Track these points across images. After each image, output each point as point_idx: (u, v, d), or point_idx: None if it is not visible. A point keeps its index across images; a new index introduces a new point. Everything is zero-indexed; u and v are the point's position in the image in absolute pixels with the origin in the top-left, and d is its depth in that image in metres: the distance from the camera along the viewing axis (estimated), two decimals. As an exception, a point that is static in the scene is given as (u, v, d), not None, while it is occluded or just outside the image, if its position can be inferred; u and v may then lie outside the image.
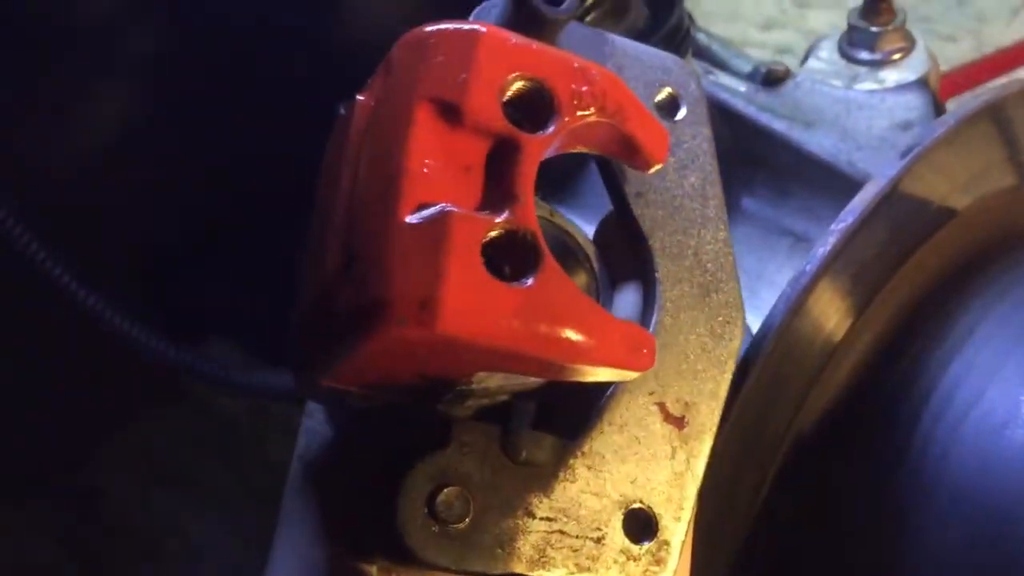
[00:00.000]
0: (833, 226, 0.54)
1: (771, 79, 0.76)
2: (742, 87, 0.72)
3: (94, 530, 1.03)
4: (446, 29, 0.38)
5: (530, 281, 0.36)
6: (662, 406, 0.43)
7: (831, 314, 0.56)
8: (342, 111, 0.40)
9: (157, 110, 0.75)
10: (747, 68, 0.78)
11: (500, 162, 0.37)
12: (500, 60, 0.38)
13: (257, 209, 0.77)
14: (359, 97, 0.40)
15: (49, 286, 0.69)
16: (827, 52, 0.74)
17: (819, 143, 0.67)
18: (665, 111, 0.47)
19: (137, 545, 1.06)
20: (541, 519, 0.40)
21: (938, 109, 0.70)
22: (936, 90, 0.71)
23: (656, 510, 0.42)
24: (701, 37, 0.80)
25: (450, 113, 0.37)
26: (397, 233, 0.35)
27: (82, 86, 0.72)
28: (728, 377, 0.45)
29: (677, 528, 0.43)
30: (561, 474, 0.41)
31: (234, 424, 1.10)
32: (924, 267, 0.59)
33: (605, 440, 0.42)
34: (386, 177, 0.36)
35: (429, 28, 0.39)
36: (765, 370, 0.54)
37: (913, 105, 0.69)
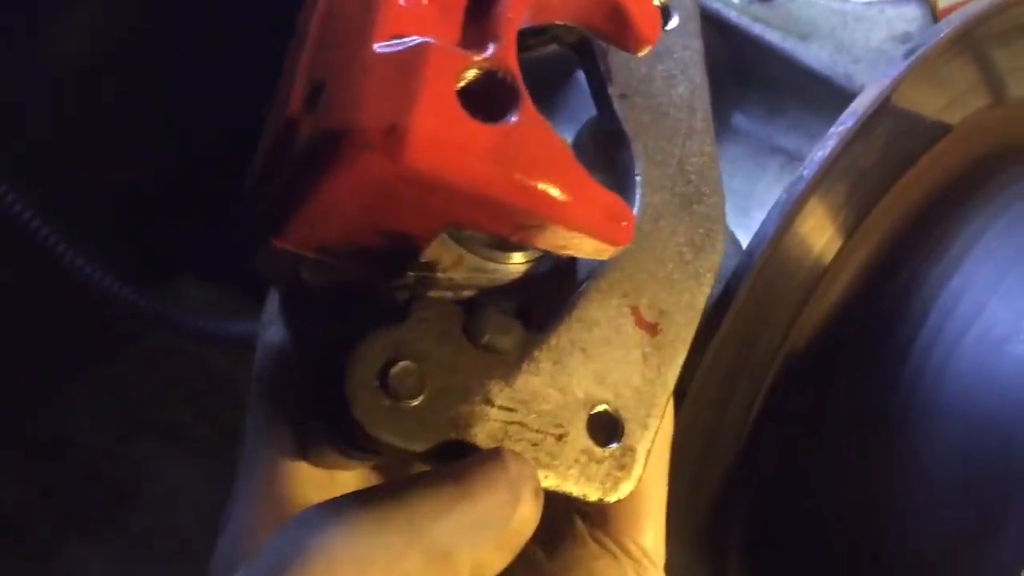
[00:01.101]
0: (832, 128, 0.51)
1: (767, -6, 0.73)
2: (736, -1, 0.69)
3: (69, 477, 1.01)
4: None
5: (508, 122, 0.33)
6: (635, 309, 0.41)
7: (826, 227, 0.54)
8: None
9: (132, 31, 0.72)
10: (743, -17, 0.75)
11: (482, 3, 0.35)
12: None
13: (236, 145, 0.75)
14: None
15: (13, 229, 0.66)
16: (823, -36, 0.71)
17: (814, 55, 0.65)
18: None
19: (112, 491, 1.05)
20: (500, 408, 0.38)
21: (937, 21, 0.67)
22: (935, 3, 0.68)
23: (623, 414, 0.40)
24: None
25: None
26: (369, 60, 0.32)
27: (56, 4, 0.69)
28: (706, 290, 0.43)
29: (644, 436, 0.40)
30: (525, 365, 0.39)
31: (208, 368, 1.07)
32: (922, 180, 0.56)
33: (573, 336, 0.40)
34: (361, 6, 0.33)
35: None
36: (757, 282, 0.52)
37: (911, 16, 0.66)
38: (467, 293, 0.39)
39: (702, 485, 0.54)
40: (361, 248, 0.36)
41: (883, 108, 0.53)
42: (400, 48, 0.33)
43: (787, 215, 0.51)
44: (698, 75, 0.45)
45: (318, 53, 0.35)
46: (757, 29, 0.66)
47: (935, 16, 0.66)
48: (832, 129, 0.51)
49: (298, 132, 0.34)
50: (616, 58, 0.44)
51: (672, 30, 0.45)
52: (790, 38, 0.65)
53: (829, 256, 0.55)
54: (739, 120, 0.68)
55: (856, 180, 0.54)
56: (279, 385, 0.41)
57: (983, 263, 0.55)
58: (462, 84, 0.33)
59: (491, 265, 0.40)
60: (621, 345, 0.41)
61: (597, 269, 0.41)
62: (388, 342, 0.36)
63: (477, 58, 0.34)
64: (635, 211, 0.42)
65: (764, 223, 0.52)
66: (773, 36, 0.65)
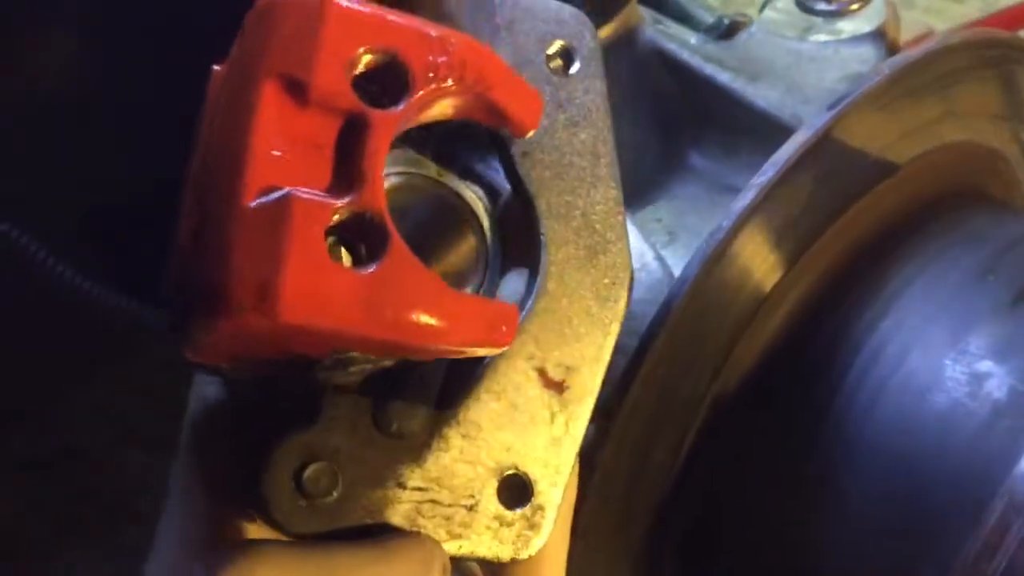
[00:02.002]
0: (753, 179, 0.52)
1: (733, 31, 0.74)
2: (692, 39, 0.70)
3: (63, 491, 1.03)
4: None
5: (375, 266, 0.35)
6: (542, 372, 0.43)
7: (755, 268, 0.54)
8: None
9: (105, 59, 0.74)
10: (710, 19, 0.75)
11: (349, 140, 0.36)
12: (349, 33, 0.36)
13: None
14: (215, 68, 0.39)
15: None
16: (784, 2, 0.71)
17: (764, 95, 0.65)
18: (557, 65, 0.45)
19: (107, 506, 1.06)
20: (412, 489, 0.40)
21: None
22: (895, 41, 0.68)
23: (532, 475, 0.42)
24: (665, -14, 0.78)
25: (297, 90, 0.36)
26: (238, 217, 0.34)
27: (27, 31, 0.72)
28: (612, 340, 0.44)
29: (553, 492, 0.42)
30: (434, 443, 0.41)
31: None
32: (858, 222, 0.57)
33: (481, 408, 0.42)
34: (231, 157, 0.35)
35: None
36: (680, 326, 0.53)
37: (866, 57, 0.66)
38: (386, 363, 0.40)
39: (625, 531, 0.55)
40: (268, 360, 0.38)
41: (811, 153, 0.54)
42: (267, 201, 0.34)
43: (705, 265, 0.52)
44: (601, 118, 0.45)
45: (198, 188, 0.37)
46: (709, 69, 0.67)
47: (889, 55, 0.66)
48: (753, 179, 0.52)
49: (188, 270, 0.36)
50: None
51: (574, 75, 0.45)
52: (740, 78, 0.66)
53: (763, 294, 0.55)
54: (695, 159, 0.68)
55: (784, 226, 0.54)
56: (207, 438, 0.44)
57: (911, 310, 0.55)
58: (330, 231, 0.35)
59: None
60: (529, 409, 0.42)
61: None
62: (301, 445, 0.39)
63: (342, 203, 0.35)
64: (540, 270, 0.43)
65: (685, 269, 0.53)
66: (724, 76, 0.66)
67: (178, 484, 0.44)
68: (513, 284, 0.45)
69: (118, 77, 0.73)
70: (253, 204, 0.34)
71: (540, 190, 0.44)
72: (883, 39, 0.67)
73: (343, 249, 0.37)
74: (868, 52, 0.67)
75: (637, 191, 0.66)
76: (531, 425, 0.42)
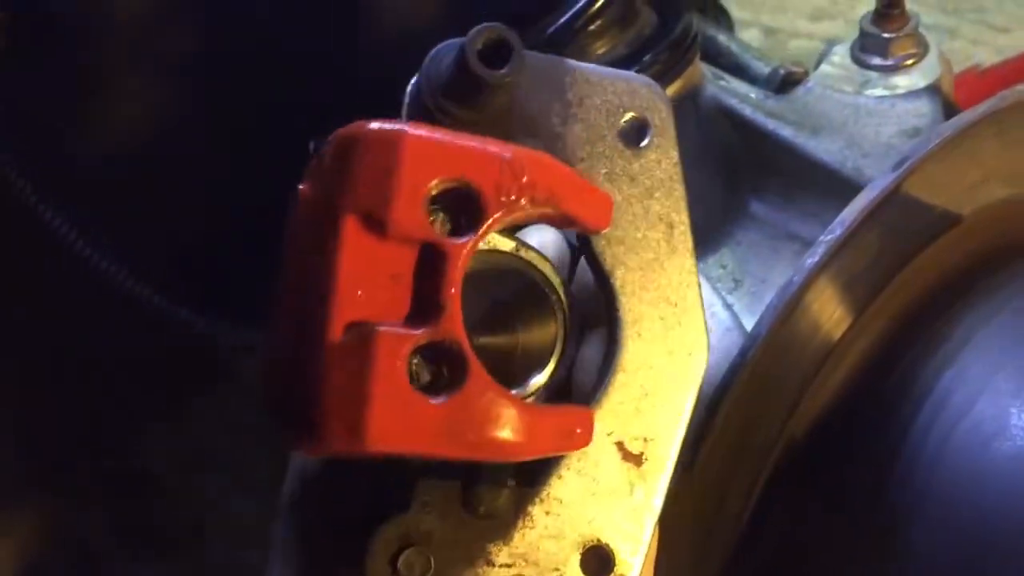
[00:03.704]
0: (821, 236, 0.55)
1: (788, 82, 0.76)
2: (752, 93, 0.72)
3: (142, 513, 1.06)
4: (370, 131, 0.39)
5: (456, 392, 0.38)
6: (620, 445, 0.44)
7: (823, 322, 0.57)
8: (312, 149, 0.42)
9: (190, 108, 0.77)
10: (765, 71, 0.78)
11: (427, 268, 0.39)
12: (424, 165, 0.39)
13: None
14: (299, 187, 0.42)
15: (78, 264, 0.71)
16: (840, 57, 0.74)
17: (825, 149, 0.67)
18: (630, 138, 0.46)
19: (184, 528, 1.09)
20: (501, 566, 0.43)
21: (950, 115, 0.69)
22: (950, 96, 0.71)
23: (613, 546, 0.44)
24: (721, 40, 0.81)
25: (376, 225, 0.38)
26: (327, 354, 0.38)
27: (115, 82, 0.75)
28: (688, 411, 0.46)
29: (634, 561, 0.44)
30: (520, 522, 0.43)
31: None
32: (922, 274, 0.59)
33: (563, 484, 0.44)
34: (319, 293, 0.38)
35: (356, 128, 0.40)
36: (753, 377, 0.55)
37: (923, 111, 0.68)
38: None
39: (705, 566, 0.57)
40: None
41: (876, 211, 0.56)
42: (352, 339, 0.38)
43: (779, 318, 0.54)
44: (675, 187, 0.46)
45: (293, 313, 0.40)
46: (771, 124, 0.69)
47: (946, 112, 0.68)
48: (821, 237, 0.54)
49: (286, 388, 0.40)
50: None
51: (646, 146, 0.46)
52: (802, 132, 0.68)
53: (830, 346, 0.57)
54: (756, 207, 0.71)
55: (851, 281, 0.56)
56: (307, 513, 0.46)
57: (976, 359, 0.57)
58: (412, 362, 0.38)
59: None
60: (609, 482, 0.44)
61: None
62: (397, 532, 0.42)
63: (422, 332, 0.38)
64: (616, 346, 0.45)
65: (758, 323, 0.55)
66: (786, 131, 0.68)
67: (279, 537, 0.47)
68: (595, 348, 0.46)
69: (202, 123, 0.76)
70: (340, 341, 0.38)
71: (615, 266, 0.45)
72: (938, 93, 0.69)
73: (425, 370, 0.39)
74: (924, 106, 0.69)
75: (704, 239, 0.68)
76: (611, 498, 0.44)
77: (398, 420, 0.37)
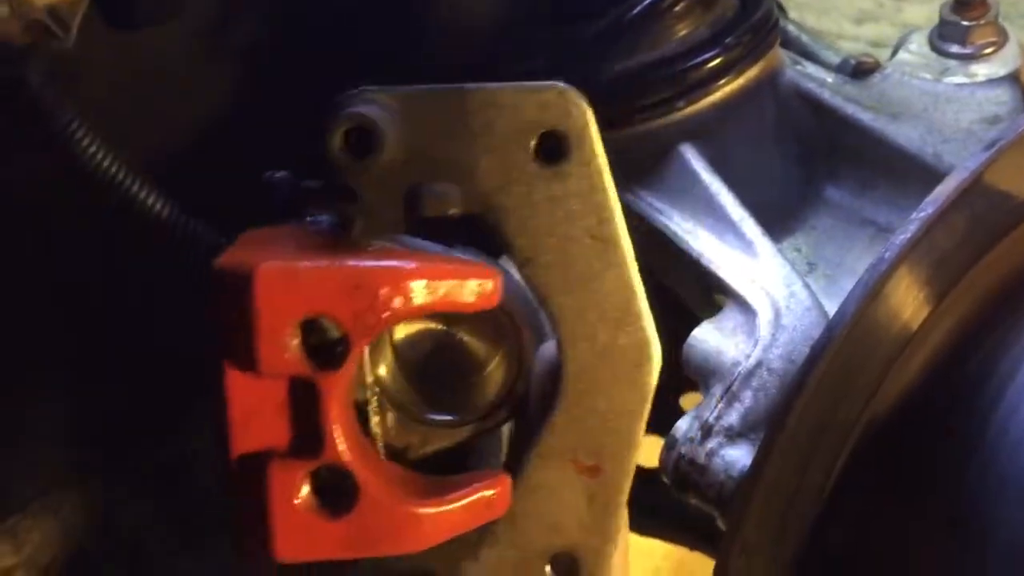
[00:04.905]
0: (913, 215, 0.55)
1: (860, 71, 0.76)
2: (829, 78, 0.72)
3: (182, 499, 1.07)
4: (228, 266, 0.42)
5: (351, 512, 0.42)
6: (575, 461, 0.46)
7: (909, 301, 0.57)
8: (265, 179, 0.45)
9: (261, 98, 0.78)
10: (836, 60, 0.78)
11: (304, 401, 0.41)
12: (278, 303, 0.41)
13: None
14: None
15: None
16: (917, 45, 0.74)
17: (905, 135, 0.68)
18: (547, 155, 0.44)
19: (223, 513, 1.10)
20: None
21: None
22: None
23: (579, 552, 0.46)
24: (791, 29, 0.81)
25: (249, 363, 0.41)
26: (236, 484, 0.43)
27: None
28: (642, 420, 0.47)
29: (602, 562, 0.46)
30: (486, 538, 0.46)
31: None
32: (1006, 259, 0.59)
33: (523, 501, 0.46)
34: (223, 429, 0.43)
35: (221, 261, 0.42)
36: (837, 358, 0.55)
37: (1002, 99, 0.69)
38: None
39: (778, 557, 0.58)
40: None
41: (966, 192, 0.56)
42: (252, 467, 0.42)
43: (868, 295, 0.54)
44: (600, 200, 0.44)
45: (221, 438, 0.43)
46: (850, 109, 0.69)
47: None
48: (913, 215, 0.55)
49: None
50: (510, 222, 0.44)
51: (566, 161, 0.44)
52: (882, 117, 0.68)
53: (914, 327, 0.58)
54: (831, 192, 0.71)
55: (938, 261, 0.57)
56: None
57: (1061, 343, 0.57)
58: (309, 484, 0.42)
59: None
60: (567, 494, 0.46)
61: (535, 438, 0.47)
62: None
63: (311, 461, 0.42)
64: (562, 370, 0.46)
65: (845, 300, 0.55)
66: (865, 116, 0.69)
67: None
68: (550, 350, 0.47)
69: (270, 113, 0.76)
70: (241, 471, 0.42)
71: (549, 294, 0.45)
72: (1018, 82, 0.70)
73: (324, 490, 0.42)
74: (1004, 94, 0.69)
75: (779, 222, 0.68)
76: (572, 507, 0.46)
77: (301, 537, 0.41)
